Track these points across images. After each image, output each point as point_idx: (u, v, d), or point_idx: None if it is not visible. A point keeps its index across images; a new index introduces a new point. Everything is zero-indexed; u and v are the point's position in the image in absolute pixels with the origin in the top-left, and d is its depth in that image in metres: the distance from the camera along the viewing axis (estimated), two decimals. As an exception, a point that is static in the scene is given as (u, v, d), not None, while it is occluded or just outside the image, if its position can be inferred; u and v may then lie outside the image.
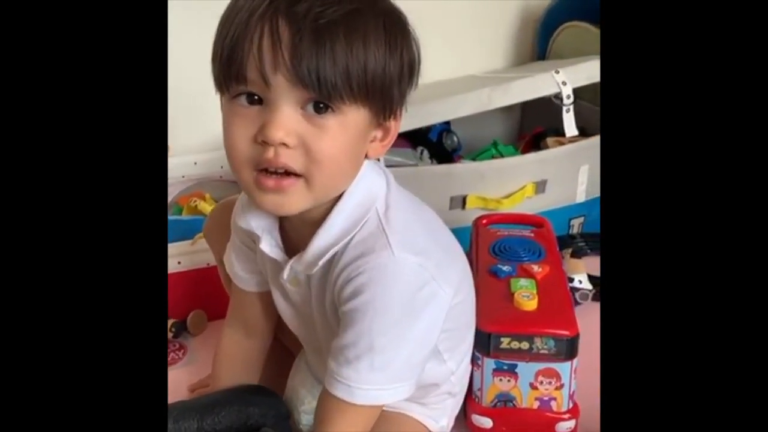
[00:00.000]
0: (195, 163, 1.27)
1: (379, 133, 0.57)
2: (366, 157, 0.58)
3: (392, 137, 0.58)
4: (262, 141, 0.52)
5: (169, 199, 1.27)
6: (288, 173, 0.53)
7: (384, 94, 0.53)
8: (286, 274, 0.62)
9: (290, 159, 0.52)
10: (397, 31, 0.54)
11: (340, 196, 0.58)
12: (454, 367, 0.70)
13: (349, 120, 0.52)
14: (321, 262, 0.58)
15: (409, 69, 0.56)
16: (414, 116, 1.11)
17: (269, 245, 0.62)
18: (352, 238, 0.57)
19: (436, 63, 1.40)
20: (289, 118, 0.51)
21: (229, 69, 0.51)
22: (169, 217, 1.18)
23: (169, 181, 1.25)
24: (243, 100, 0.53)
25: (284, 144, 0.51)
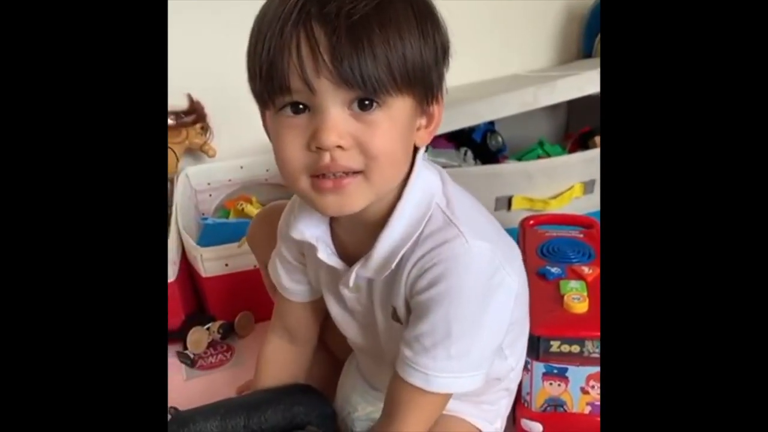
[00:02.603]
0: (241, 167, 1.28)
1: (423, 121, 0.57)
2: (415, 147, 0.58)
3: (437, 123, 0.58)
4: (316, 147, 0.51)
5: (216, 202, 1.29)
6: (345, 172, 0.53)
7: (425, 80, 0.53)
8: (351, 280, 0.61)
9: (348, 160, 0.52)
10: (426, 17, 0.53)
11: (398, 198, 0.58)
12: (514, 363, 0.70)
13: (396, 111, 0.52)
14: (393, 264, 0.58)
15: (443, 52, 0.55)
16: (458, 117, 1.10)
17: (326, 254, 0.62)
18: (419, 236, 0.57)
19: (480, 62, 1.39)
20: (339, 120, 0.51)
21: (272, 82, 0.51)
22: (216, 220, 1.20)
23: (216, 184, 1.28)
24: (288, 111, 0.52)
25: (339, 147, 0.51)
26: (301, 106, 0.52)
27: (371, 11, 0.49)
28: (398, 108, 0.52)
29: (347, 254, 0.63)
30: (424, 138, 0.58)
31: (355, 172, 0.52)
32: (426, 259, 0.56)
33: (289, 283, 0.72)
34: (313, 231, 0.62)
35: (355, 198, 0.53)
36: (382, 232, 0.57)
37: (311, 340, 0.78)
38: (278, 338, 0.77)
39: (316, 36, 0.49)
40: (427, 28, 0.53)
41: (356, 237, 0.61)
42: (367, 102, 0.51)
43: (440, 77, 0.56)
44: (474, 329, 0.57)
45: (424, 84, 0.53)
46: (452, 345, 0.56)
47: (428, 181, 0.59)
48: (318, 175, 0.53)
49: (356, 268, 0.60)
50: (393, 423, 0.61)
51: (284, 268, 0.71)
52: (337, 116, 0.51)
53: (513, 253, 0.64)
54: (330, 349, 0.84)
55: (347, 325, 0.69)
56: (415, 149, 0.58)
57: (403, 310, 0.60)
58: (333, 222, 0.63)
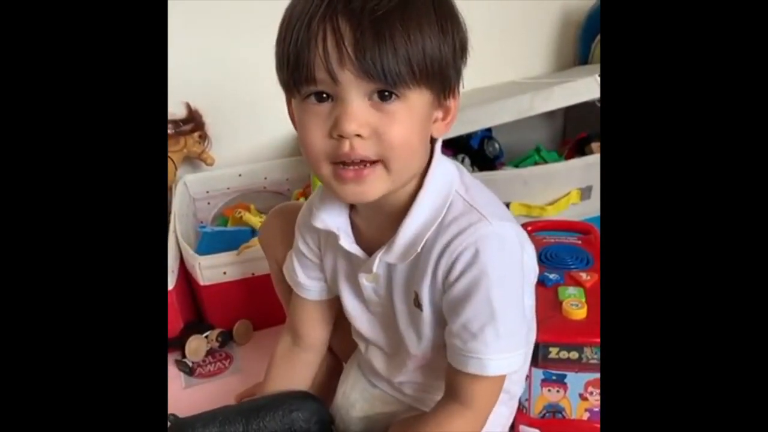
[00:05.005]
0: (239, 175, 1.29)
1: (440, 114, 0.59)
2: (433, 139, 0.60)
3: (453, 116, 0.60)
4: (337, 135, 0.54)
5: (214, 210, 1.29)
6: (365, 163, 0.55)
7: (442, 75, 0.55)
8: (375, 266, 0.63)
9: (366, 149, 0.54)
10: (446, 14, 0.56)
11: (418, 187, 0.60)
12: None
13: (414, 103, 0.54)
14: (419, 248, 0.59)
15: (462, 49, 0.58)
16: (455, 124, 1.10)
17: (347, 242, 0.64)
18: (441, 222, 0.59)
19: (476, 69, 1.38)
20: (359, 110, 0.53)
21: (298, 72, 0.53)
22: (215, 228, 1.20)
23: (214, 192, 1.28)
24: (312, 99, 0.55)
25: (358, 135, 0.53)
26: (324, 95, 0.54)
27: (394, 8, 0.52)
28: (416, 100, 0.54)
29: (366, 244, 0.65)
30: (441, 129, 0.60)
31: (374, 162, 0.55)
32: (454, 245, 0.58)
33: (305, 280, 0.73)
34: (335, 220, 0.65)
35: (375, 186, 0.56)
36: (405, 218, 0.59)
37: (321, 346, 0.79)
38: (289, 340, 0.78)
39: (341, 30, 0.51)
40: (447, 25, 0.55)
41: (376, 226, 0.63)
42: (386, 93, 0.53)
43: (458, 72, 0.58)
44: (515, 305, 0.60)
45: (442, 78, 0.56)
46: (499, 324, 0.58)
47: (447, 171, 0.62)
48: (339, 162, 0.55)
49: (379, 254, 0.62)
50: (457, 407, 0.62)
51: (300, 265, 0.73)
52: (358, 106, 0.53)
53: (528, 240, 0.66)
54: (332, 353, 0.85)
55: (361, 317, 0.70)
56: (434, 141, 0.61)
57: (427, 295, 0.62)
58: (353, 213, 0.65)
